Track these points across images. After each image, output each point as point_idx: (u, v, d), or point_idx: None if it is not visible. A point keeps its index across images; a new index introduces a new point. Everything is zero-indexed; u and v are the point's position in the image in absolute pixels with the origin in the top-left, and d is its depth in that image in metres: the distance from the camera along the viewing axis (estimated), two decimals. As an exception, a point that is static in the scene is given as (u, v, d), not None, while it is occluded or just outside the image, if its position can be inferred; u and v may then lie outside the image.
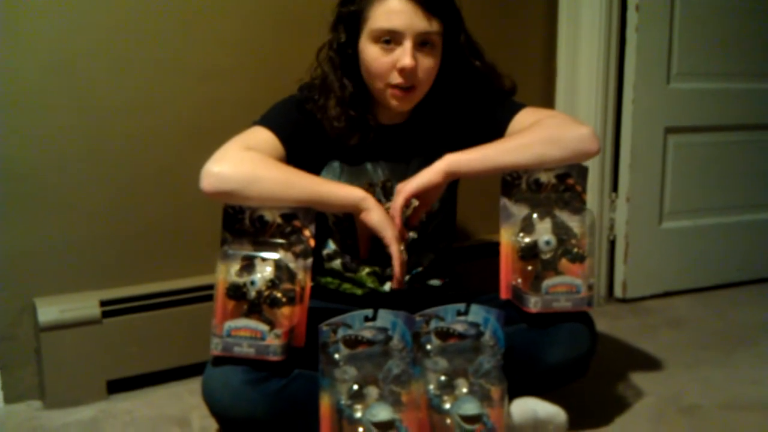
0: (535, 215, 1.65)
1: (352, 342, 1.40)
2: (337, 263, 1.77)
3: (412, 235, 1.74)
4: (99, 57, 1.89)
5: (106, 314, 1.90)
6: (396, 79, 1.61)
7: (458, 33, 1.68)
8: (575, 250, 1.63)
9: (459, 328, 1.46)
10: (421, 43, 1.60)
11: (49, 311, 1.84)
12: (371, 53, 1.61)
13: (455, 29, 1.67)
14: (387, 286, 1.76)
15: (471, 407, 1.45)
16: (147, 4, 1.93)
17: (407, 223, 1.67)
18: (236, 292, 1.50)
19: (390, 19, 1.57)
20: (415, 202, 1.65)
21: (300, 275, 1.52)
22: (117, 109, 1.93)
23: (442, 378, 1.46)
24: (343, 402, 1.39)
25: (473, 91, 1.75)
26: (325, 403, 1.39)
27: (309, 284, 1.54)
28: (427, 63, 1.62)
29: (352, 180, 1.72)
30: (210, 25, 2.01)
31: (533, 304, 1.59)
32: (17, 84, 1.82)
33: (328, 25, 1.69)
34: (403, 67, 1.58)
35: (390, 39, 1.59)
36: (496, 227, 1.67)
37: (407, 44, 1.58)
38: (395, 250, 1.57)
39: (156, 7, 1.94)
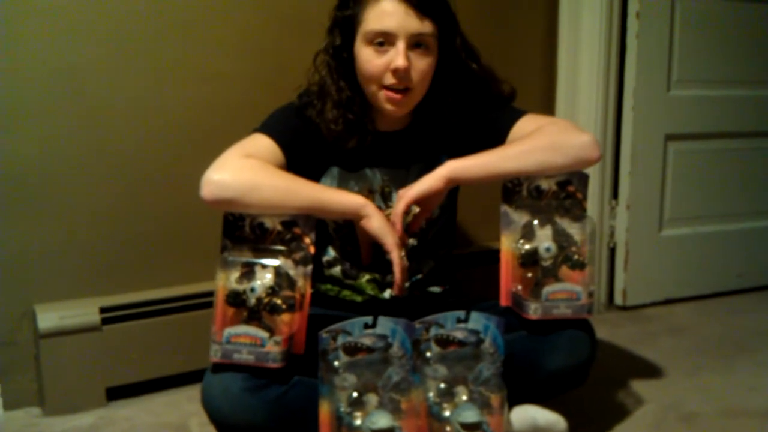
0: (535, 222, 1.65)
1: (352, 349, 1.39)
2: (336, 270, 1.77)
3: (412, 241, 1.73)
4: (100, 61, 1.90)
5: (105, 321, 1.90)
6: (389, 80, 1.61)
7: (453, 36, 1.68)
8: (575, 257, 1.63)
9: (459, 335, 1.45)
10: (415, 44, 1.60)
11: (48, 318, 1.84)
12: (365, 55, 1.62)
13: (450, 32, 1.67)
14: (387, 293, 1.76)
15: (471, 415, 1.45)
16: (148, 8, 1.93)
17: (408, 230, 1.67)
18: (236, 299, 1.50)
19: (382, 21, 1.58)
20: (416, 209, 1.65)
21: (300, 282, 1.52)
22: (117, 114, 1.93)
23: (442, 385, 1.46)
24: (342, 409, 1.39)
25: (472, 96, 1.75)
26: (324, 410, 1.39)
27: (309, 291, 1.54)
28: (421, 64, 1.62)
29: (352, 186, 1.72)
30: (211, 28, 2.01)
31: (533, 310, 1.59)
32: (18, 88, 1.83)
33: (325, 30, 1.70)
34: (396, 67, 1.58)
35: (383, 41, 1.59)
36: (496, 234, 1.67)
37: (400, 45, 1.58)
38: (396, 256, 1.56)
39: (157, 11, 1.94)
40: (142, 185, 1.98)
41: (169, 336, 1.97)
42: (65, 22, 1.85)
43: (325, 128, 1.66)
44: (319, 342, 1.38)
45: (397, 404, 1.40)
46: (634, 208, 2.62)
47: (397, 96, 1.62)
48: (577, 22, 2.51)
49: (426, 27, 1.59)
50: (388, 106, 1.64)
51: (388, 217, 1.61)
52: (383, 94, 1.63)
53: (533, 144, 1.63)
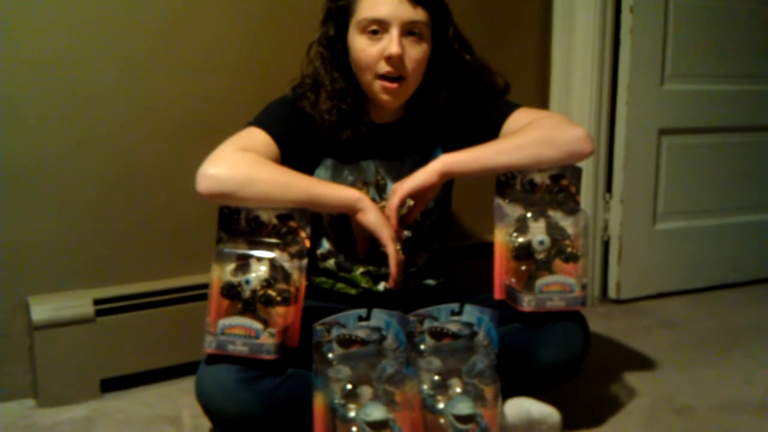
0: (529, 215, 1.66)
1: (346, 341, 1.40)
2: (331, 263, 1.78)
3: (406, 233, 1.74)
4: (91, 54, 1.89)
5: (99, 313, 1.89)
6: (384, 68, 1.61)
7: (446, 25, 1.69)
8: (569, 249, 1.64)
9: (453, 327, 1.46)
10: (408, 32, 1.61)
11: (42, 309, 1.84)
12: (358, 44, 1.62)
13: (443, 21, 1.68)
14: (381, 286, 1.76)
15: (464, 407, 1.45)
16: (140, 1, 1.92)
17: (403, 223, 1.67)
18: (231, 291, 1.50)
19: (375, 9, 1.58)
20: (410, 202, 1.66)
21: (295, 275, 1.52)
22: (110, 107, 1.93)
23: (436, 378, 1.47)
24: (336, 401, 1.39)
25: (466, 88, 1.75)
26: (318, 402, 1.39)
27: (304, 285, 1.54)
28: (415, 53, 1.63)
29: (346, 177, 1.72)
30: (203, 21, 2.00)
31: (527, 302, 1.60)
32: (9, 81, 1.82)
33: (319, 22, 1.70)
34: (390, 54, 1.59)
35: (377, 28, 1.59)
36: (490, 227, 1.68)
37: (393, 32, 1.58)
38: (392, 250, 1.57)
39: (149, 3, 1.93)
40: (136, 177, 1.98)
41: (164, 328, 1.97)
42: (56, 14, 1.84)
43: (319, 119, 1.66)
44: (313, 334, 1.39)
45: (391, 396, 1.40)
46: (627, 202, 2.62)
47: (393, 85, 1.62)
48: (571, 16, 2.51)
49: (419, 15, 1.60)
50: (384, 96, 1.64)
51: (382, 210, 1.61)
52: (378, 84, 1.63)
53: (526, 138, 1.63)
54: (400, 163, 1.75)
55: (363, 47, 1.62)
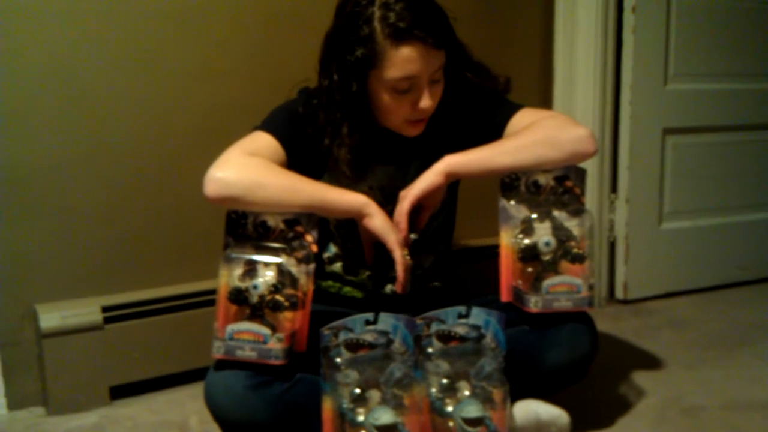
0: (534, 216, 1.66)
1: (354, 346, 1.40)
2: (337, 267, 1.78)
3: (413, 236, 1.73)
4: (97, 60, 1.90)
5: (108, 320, 1.90)
6: (415, 117, 1.63)
7: (453, 52, 1.67)
8: (575, 250, 1.64)
9: (460, 330, 1.46)
10: (432, 79, 1.61)
11: (50, 317, 1.85)
12: (387, 99, 1.60)
13: (452, 50, 1.66)
14: (388, 289, 1.76)
15: (473, 410, 1.45)
16: (144, 7, 1.93)
17: (415, 229, 1.67)
18: (238, 296, 1.50)
19: (406, 68, 1.56)
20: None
21: (302, 280, 1.52)
22: (116, 113, 1.94)
23: (444, 381, 1.47)
24: (345, 406, 1.39)
25: (468, 95, 1.75)
26: (327, 407, 1.40)
27: (311, 289, 1.54)
28: (439, 91, 1.64)
29: (352, 184, 1.72)
30: (207, 27, 2.01)
31: (534, 303, 1.60)
32: (15, 88, 1.83)
33: (323, 33, 1.66)
34: (423, 108, 1.60)
35: (408, 85, 1.58)
36: (496, 229, 1.68)
37: (425, 86, 1.59)
38: (399, 255, 1.56)
39: (153, 10, 1.94)
40: (143, 184, 1.99)
41: (172, 334, 1.98)
42: (63, 22, 1.85)
43: (340, 159, 1.65)
44: (320, 339, 1.39)
45: (399, 400, 1.40)
46: (633, 202, 2.62)
47: (420, 124, 1.66)
48: (574, 17, 2.51)
49: (441, 57, 1.60)
50: (412, 134, 1.68)
51: (390, 215, 1.61)
52: (406, 126, 1.66)
53: (529, 138, 1.63)
54: (406, 168, 1.75)
55: (393, 102, 1.61)
